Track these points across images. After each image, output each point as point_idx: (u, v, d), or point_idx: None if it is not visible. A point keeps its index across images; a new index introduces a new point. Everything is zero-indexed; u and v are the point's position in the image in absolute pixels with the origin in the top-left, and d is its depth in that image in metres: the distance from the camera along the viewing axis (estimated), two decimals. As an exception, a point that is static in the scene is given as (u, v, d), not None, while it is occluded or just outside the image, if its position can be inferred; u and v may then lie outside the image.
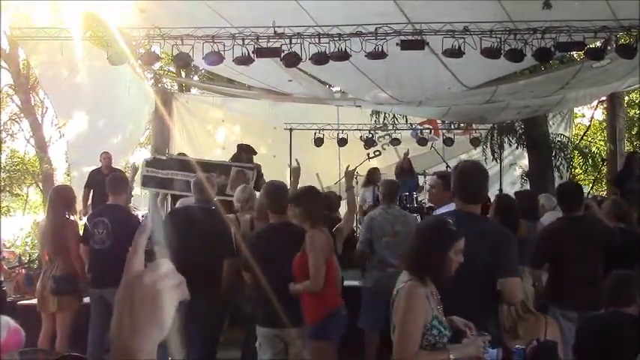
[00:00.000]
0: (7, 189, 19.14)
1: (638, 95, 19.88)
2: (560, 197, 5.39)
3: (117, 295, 1.01)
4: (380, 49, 7.19)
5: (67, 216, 5.96)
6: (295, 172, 6.02)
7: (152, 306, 0.98)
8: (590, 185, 13.83)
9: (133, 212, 6.83)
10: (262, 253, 4.51)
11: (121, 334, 0.98)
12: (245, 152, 9.77)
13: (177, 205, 7.46)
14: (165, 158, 9.25)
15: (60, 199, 5.93)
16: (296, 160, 6.64)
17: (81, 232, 6.08)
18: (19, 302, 6.91)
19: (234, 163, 9.45)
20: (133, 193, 8.39)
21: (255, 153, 9.97)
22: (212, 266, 5.02)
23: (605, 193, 15.34)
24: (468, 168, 3.63)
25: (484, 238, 3.40)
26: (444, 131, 14.34)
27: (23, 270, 8.29)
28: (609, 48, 7.38)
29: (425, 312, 2.76)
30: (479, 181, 3.60)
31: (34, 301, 6.10)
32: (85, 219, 7.08)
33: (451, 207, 4.30)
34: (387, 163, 13.64)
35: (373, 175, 10.71)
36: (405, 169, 11.37)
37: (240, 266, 4.95)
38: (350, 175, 5.56)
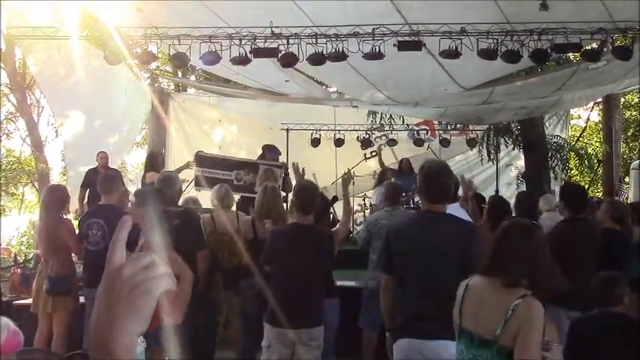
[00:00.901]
0: (3, 188, 19.09)
1: (634, 97, 19.95)
2: (566, 198, 5.42)
3: (98, 289, 1.00)
4: (377, 50, 7.19)
5: (61, 215, 5.92)
6: (297, 173, 6.02)
7: (130, 298, 0.97)
8: (586, 187, 13.86)
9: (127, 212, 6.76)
10: (284, 252, 4.49)
11: (99, 328, 0.96)
12: (270, 152, 9.77)
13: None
14: (207, 155, 9.16)
15: (53, 199, 5.88)
16: (295, 163, 6.65)
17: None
18: (14, 302, 6.89)
19: (262, 161, 9.44)
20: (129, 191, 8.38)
21: (280, 153, 9.97)
22: (189, 264, 5.00)
23: (601, 194, 15.38)
24: (434, 169, 3.64)
25: (452, 236, 3.50)
26: (441, 132, 14.37)
27: (19, 270, 8.27)
28: (605, 50, 7.39)
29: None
30: (444, 182, 3.63)
31: (30, 300, 6.07)
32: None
33: (453, 207, 4.32)
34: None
35: (384, 174, 10.74)
36: (405, 170, 11.38)
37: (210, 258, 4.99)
38: (347, 179, 5.57)
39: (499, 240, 2.85)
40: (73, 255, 6.25)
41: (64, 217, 6.00)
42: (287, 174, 9.19)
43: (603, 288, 3.79)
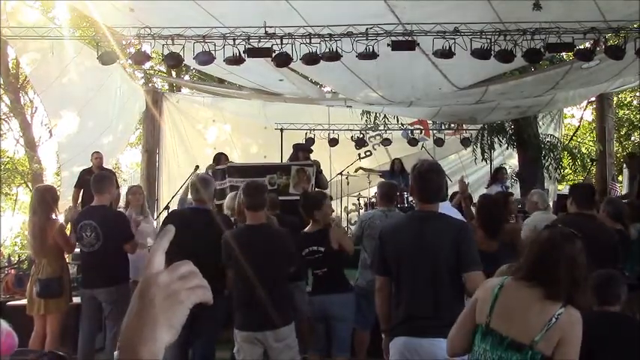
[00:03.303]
0: (-3, 189, 19.03)
1: (627, 96, 20.03)
2: (574, 194, 5.40)
3: (133, 293, 1.01)
4: (371, 50, 7.20)
5: (50, 216, 5.89)
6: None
7: (162, 306, 0.98)
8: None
9: (120, 211, 6.74)
10: (239, 255, 4.47)
11: (128, 331, 0.97)
12: (301, 151, 9.75)
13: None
14: (222, 168, 9.14)
15: (42, 200, 5.83)
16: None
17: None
18: (8, 303, 6.87)
19: (294, 162, 9.47)
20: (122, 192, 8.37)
21: (311, 151, 9.94)
22: (214, 267, 5.00)
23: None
24: (425, 169, 3.64)
25: (444, 235, 3.52)
26: (435, 131, 14.41)
27: (12, 270, 8.25)
28: (598, 49, 7.43)
29: None
30: (436, 181, 3.64)
31: (24, 301, 6.06)
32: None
33: (444, 207, 4.34)
34: (377, 163, 13.70)
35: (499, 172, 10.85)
36: (396, 171, 11.43)
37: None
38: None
39: (544, 249, 2.79)
40: (66, 255, 6.24)
41: (54, 217, 5.96)
42: (320, 171, 9.19)
43: (600, 287, 3.79)
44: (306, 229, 5.41)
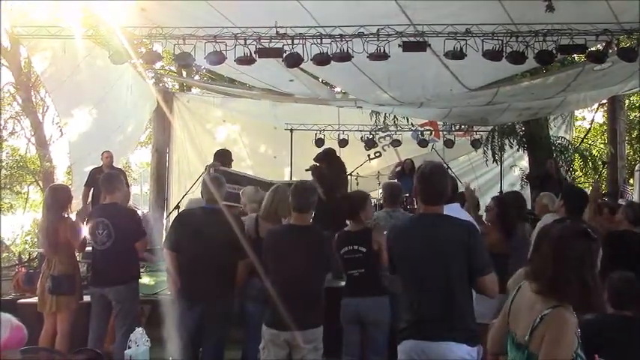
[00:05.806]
0: (8, 187, 19.10)
1: (638, 98, 19.87)
2: (564, 199, 5.39)
3: None
4: (382, 51, 7.19)
5: (63, 214, 5.92)
6: None
7: None
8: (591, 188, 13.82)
9: (132, 209, 6.75)
10: (278, 253, 4.48)
11: None
12: (316, 161, 9.44)
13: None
14: (233, 172, 9.02)
15: (55, 199, 5.87)
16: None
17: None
18: (19, 301, 6.91)
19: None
20: (132, 191, 8.38)
21: (331, 155, 9.58)
22: (226, 267, 5.01)
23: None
24: (428, 170, 3.60)
25: (451, 237, 3.46)
26: (445, 133, 14.36)
27: (23, 268, 8.30)
28: (610, 51, 7.38)
29: (573, 342, 2.55)
30: (439, 183, 3.59)
31: (35, 299, 6.09)
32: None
33: (453, 208, 4.30)
34: (387, 164, 13.68)
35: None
36: (407, 171, 11.40)
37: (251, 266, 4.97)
38: None
39: (539, 244, 2.72)
40: (77, 254, 6.27)
41: (67, 216, 5.99)
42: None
43: (615, 291, 3.75)
44: (347, 228, 5.38)
